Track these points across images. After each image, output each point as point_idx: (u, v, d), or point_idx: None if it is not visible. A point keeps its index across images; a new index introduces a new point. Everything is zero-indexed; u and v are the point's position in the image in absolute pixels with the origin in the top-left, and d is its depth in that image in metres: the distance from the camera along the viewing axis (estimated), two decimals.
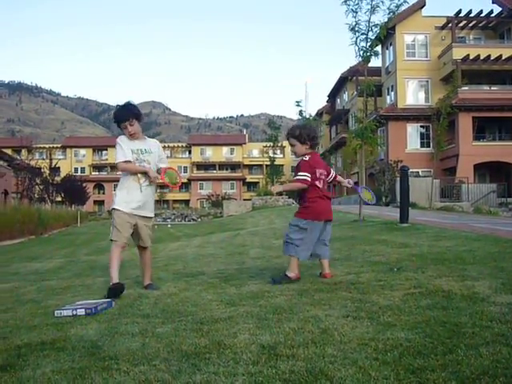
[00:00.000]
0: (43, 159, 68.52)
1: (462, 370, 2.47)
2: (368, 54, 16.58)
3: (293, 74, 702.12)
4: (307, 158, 5.66)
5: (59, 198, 60.22)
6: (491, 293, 4.15)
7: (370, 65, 18.57)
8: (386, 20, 16.39)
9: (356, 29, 16.15)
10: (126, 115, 5.60)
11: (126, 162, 5.64)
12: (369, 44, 16.42)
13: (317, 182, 5.64)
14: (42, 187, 57.31)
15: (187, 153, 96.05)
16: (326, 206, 5.80)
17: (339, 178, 6.22)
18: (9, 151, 68.17)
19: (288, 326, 3.55)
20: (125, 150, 5.63)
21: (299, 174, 5.63)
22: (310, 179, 5.58)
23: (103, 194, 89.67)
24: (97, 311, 4.60)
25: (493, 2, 43.33)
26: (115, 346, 3.35)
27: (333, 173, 6.03)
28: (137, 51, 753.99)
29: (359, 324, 3.48)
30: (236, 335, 3.41)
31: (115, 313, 4.53)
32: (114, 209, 5.71)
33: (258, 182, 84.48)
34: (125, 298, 5.15)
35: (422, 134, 41.19)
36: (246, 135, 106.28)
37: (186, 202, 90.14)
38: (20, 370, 2.95)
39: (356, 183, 6.00)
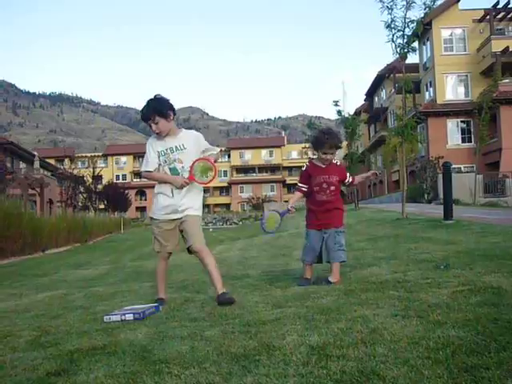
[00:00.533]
0: (86, 168, 69.74)
1: None
2: (405, 50, 16.46)
3: (330, 74, 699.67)
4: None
5: (102, 206, 61.19)
6: None
7: (407, 61, 18.42)
8: (422, 15, 16.24)
9: (392, 26, 16.04)
10: (147, 114, 5.14)
11: (147, 171, 5.26)
12: (405, 40, 16.29)
13: None
14: (85, 195, 58.31)
15: (226, 157, 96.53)
16: None
17: None
18: (52, 161, 69.69)
19: (336, 326, 3.53)
20: (149, 157, 5.21)
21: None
22: None
23: (145, 200, 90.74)
24: (145, 316, 4.65)
25: None
26: (165, 350, 3.38)
27: None
28: (174, 57, 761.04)
29: (408, 323, 3.43)
30: (284, 337, 3.40)
31: (163, 317, 4.57)
32: (151, 218, 5.45)
33: None
34: (171, 302, 5.20)
35: (462, 130, 40.60)
36: (285, 137, 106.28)
37: (227, 205, 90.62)
38: (74, 375, 2.99)
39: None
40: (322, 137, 5.54)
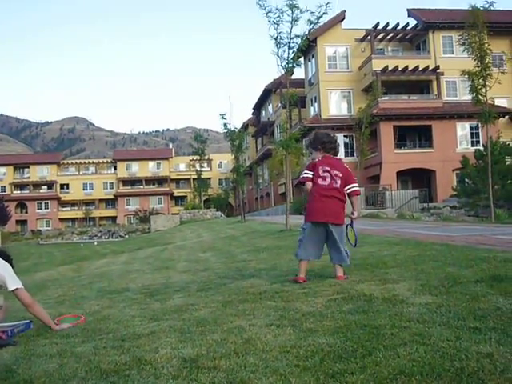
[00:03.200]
0: None
1: (380, 371, 2.50)
2: (290, 65, 16.86)
3: (219, 87, 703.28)
4: (316, 160, 5.66)
5: None
6: (410, 294, 4.24)
7: (293, 77, 18.86)
8: (306, 32, 16.73)
9: (278, 40, 16.41)
10: None
11: None
12: (291, 56, 16.70)
13: (319, 180, 5.55)
14: None
15: (113, 168, 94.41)
16: (324, 207, 5.52)
17: (354, 200, 5.80)
18: None
19: (211, 337, 3.51)
20: None
21: (302, 172, 5.72)
22: (310, 176, 5.57)
23: (26, 213, 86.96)
24: (13, 334, 4.42)
25: (408, 16, 44.84)
26: (31, 369, 3.22)
27: (353, 185, 5.65)
28: (58, 66, 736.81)
29: (282, 332, 3.47)
30: (157, 350, 3.34)
31: (33, 334, 4.38)
32: None
33: (186, 196, 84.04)
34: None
35: (345, 144, 41.99)
36: (173, 149, 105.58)
37: (113, 218, 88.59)
38: None
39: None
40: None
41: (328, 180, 5.53)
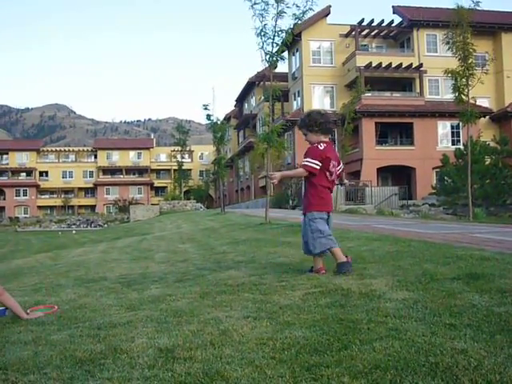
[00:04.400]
0: None
1: (355, 365, 2.51)
2: (274, 58, 16.81)
3: (202, 78, 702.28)
4: (322, 147, 5.54)
5: None
6: (387, 290, 4.26)
7: (277, 70, 18.82)
8: (291, 26, 16.68)
9: (263, 33, 16.34)
10: None
11: None
12: (275, 49, 16.65)
13: (327, 174, 5.57)
14: None
15: (93, 157, 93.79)
16: (331, 198, 5.80)
17: (341, 175, 6.05)
18: None
19: (188, 328, 3.51)
20: None
21: (308, 160, 5.54)
22: (318, 168, 5.50)
23: (4, 199, 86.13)
24: None
25: (394, 13, 45.00)
26: (5, 356, 3.19)
27: (342, 165, 5.88)
28: (40, 52, 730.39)
29: (259, 324, 3.47)
30: (133, 339, 3.32)
31: (8, 321, 4.34)
32: None
33: (166, 187, 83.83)
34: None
35: None
36: (154, 139, 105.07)
37: (92, 207, 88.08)
38: None
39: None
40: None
41: (334, 176, 5.64)
